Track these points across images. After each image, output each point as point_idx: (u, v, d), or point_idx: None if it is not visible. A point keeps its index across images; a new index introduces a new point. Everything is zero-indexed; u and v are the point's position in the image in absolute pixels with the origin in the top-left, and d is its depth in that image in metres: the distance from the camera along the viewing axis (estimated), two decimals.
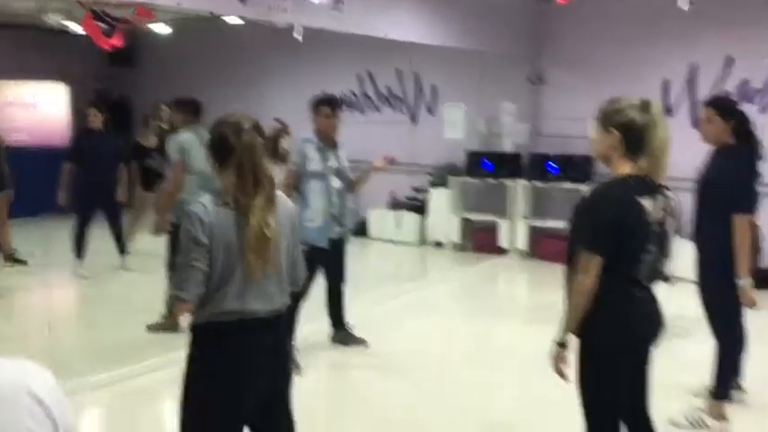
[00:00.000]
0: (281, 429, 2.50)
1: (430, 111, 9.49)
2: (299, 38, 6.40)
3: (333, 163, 4.75)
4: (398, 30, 6.52)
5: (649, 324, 2.61)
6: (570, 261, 2.53)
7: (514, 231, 8.40)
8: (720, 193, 3.70)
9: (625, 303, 2.52)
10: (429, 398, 4.26)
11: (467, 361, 4.94)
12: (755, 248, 3.90)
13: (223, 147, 2.30)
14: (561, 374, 2.56)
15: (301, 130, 9.28)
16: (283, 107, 9.69)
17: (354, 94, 10.06)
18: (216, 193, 2.31)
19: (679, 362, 4.56)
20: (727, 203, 3.66)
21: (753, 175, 3.81)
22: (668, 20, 7.11)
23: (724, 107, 3.89)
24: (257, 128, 2.34)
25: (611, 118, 2.49)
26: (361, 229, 9.23)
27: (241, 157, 2.26)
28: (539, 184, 8.34)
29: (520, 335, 5.53)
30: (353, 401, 4.36)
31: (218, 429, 2.33)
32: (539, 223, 8.35)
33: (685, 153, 7.17)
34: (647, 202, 2.47)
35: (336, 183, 4.72)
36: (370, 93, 9.97)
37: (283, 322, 2.46)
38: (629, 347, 2.56)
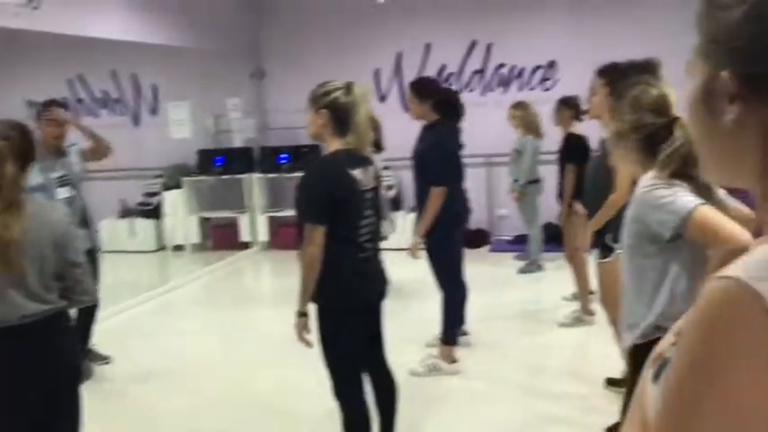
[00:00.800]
0: None
1: (153, 111, 9.16)
2: None
3: (58, 173, 4.37)
4: (108, 28, 6.19)
5: (374, 281, 2.90)
6: (300, 235, 2.71)
7: (254, 225, 8.50)
8: (426, 164, 4.18)
9: (349, 265, 2.76)
10: (203, 398, 4.20)
11: (226, 352, 4.94)
12: (463, 213, 4.47)
13: None
14: (305, 342, 2.75)
15: None
16: None
17: (66, 100, 9.33)
18: None
19: (412, 319, 5.04)
20: (429, 174, 4.16)
21: (453, 146, 4.35)
22: (373, 12, 7.69)
23: (420, 88, 4.37)
24: None
25: (319, 100, 2.71)
26: None
27: None
28: (272, 176, 8.52)
29: (270, 319, 5.66)
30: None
31: None
32: (276, 214, 8.55)
33: (399, 135, 7.85)
34: (357, 173, 2.73)
35: (65, 192, 4.36)
36: (84, 97, 9.33)
37: (41, 330, 2.30)
38: (357, 304, 2.82)
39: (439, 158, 4.18)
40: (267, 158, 8.52)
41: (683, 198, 1.98)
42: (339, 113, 2.71)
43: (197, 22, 7.34)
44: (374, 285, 2.90)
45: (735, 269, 0.63)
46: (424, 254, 4.25)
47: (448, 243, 4.24)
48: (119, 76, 9.12)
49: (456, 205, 4.24)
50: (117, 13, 6.30)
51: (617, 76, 3.03)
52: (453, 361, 4.25)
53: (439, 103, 4.30)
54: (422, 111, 4.29)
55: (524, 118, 6.39)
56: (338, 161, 2.72)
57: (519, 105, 6.53)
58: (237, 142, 8.69)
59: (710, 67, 0.70)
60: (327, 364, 2.79)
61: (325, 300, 2.74)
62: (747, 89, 0.67)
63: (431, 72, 8.10)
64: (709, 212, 1.94)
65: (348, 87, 2.73)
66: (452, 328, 4.31)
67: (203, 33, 7.51)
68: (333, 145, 2.75)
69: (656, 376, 0.74)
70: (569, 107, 5.39)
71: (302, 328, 2.74)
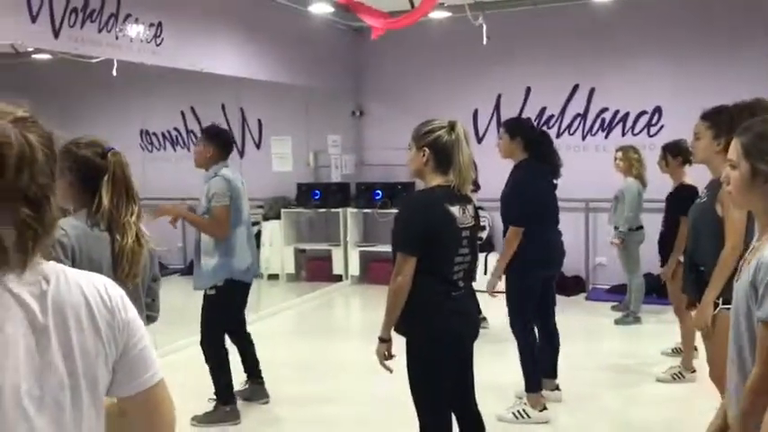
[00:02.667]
0: None
1: (257, 145, 9.53)
2: (115, 73, 6.25)
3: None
4: (220, 65, 6.54)
5: (466, 320, 2.87)
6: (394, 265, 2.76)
7: (347, 258, 8.63)
8: (507, 204, 4.19)
9: (442, 302, 2.75)
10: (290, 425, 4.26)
11: (312, 381, 5.01)
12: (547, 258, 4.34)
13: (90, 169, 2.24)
14: (386, 368, 2.77)
15: None
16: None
17: (178, 131, 9.88)
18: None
19: (504, 363, 4.94)
20: (508, 213, 4.15)
21: (538, 187, 4.26)
22: (474, 54, 7.75)
23: (512, 125, 4.40)
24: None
25: (422, 138, 2.76)
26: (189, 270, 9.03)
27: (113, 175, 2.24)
28: (366, 211, 8.65)
29: (357, 351, 5.68)
30: None
31: None
32: (369, 249, 8.65)
33: (494, 176, 7.78)
34: (455, 209, 2.75)
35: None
36: (194, 128, 9.83)
37: None
38: (447, 342, 2.79)
39: (518, 198, 4.14)
40: (362, 194, 8.68)
41: None
42: (441, 152, 2.74)
43: (302, 61, 7.64)
44: (465, 325, 2.88)
45: None
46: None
47: (522, 287, 4.14)
48: (227, 109, 9.57)
49: (536, 249, 4.09)
50: (229, 51, 6.65)
51: (723, 119, 2.92)
52: (543, 408, 4.13)
53: (529, 142, 4.27)
54: (510, 149, 4.29)
55: (631, 161, 6.22)
56: (437, 195, 2.75)
57: (627, 148, 6.36)
58: (335, 177, 8.91)
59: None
60: (415, 401, 2.78)
61: (415, 336, 2.75)
62: None
63: (530, 114, 8.05)
64: None
65: (451, 126, 2.76)
66: (533, 374, 4.18)
67: (308, 72, 7.80)
68: (433, 182, 2.78)
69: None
70: (676, 153, 5.19)
71: (383, 353, 2.76)
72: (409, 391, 2.79)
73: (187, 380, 4.24)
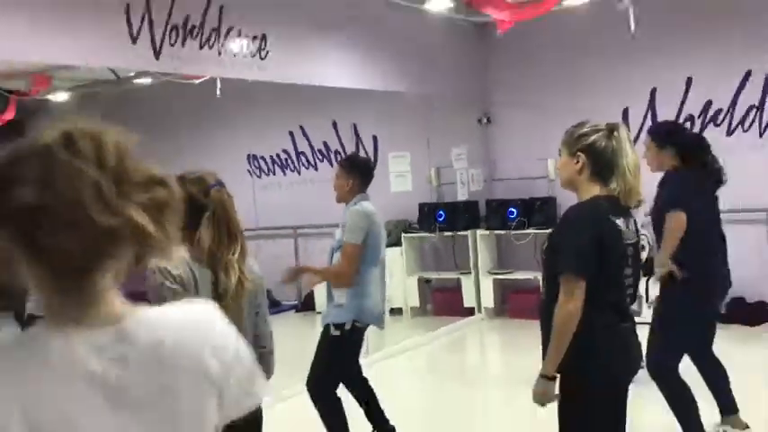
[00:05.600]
0: None
1: (373, 163, 9.59)
2: (218, 93, 6.48)
3: None
4: (329, 76, 6.62)
5: (631, 358, 2.72)
6: (548, 291, 2.63)
7: (479, 288, 8.44)
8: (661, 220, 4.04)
9: (612, 336, 2.61)
10: None
11: (440, 428, 4.88)
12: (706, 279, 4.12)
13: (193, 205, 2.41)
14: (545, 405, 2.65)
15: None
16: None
17: (287, 153, 10.14)
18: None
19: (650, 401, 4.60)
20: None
21: (688, 197, 4.06)
22: (618, 46, 7.44)
23: (660, 133, 4.29)
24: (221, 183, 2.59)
25: (575, 143, 2.62)
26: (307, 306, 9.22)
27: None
28: (500, 232, 8.45)
29: (499, 401, 5.51)
30: None
31: None
32: (505, 276, 8.42)
33: (652, 187, 7.32)
34: (620, 222, 2.62)
35: None
36: (305, 149, 10.05)
37: None
38: (615, 385, 2.63)
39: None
40: (494, 213, 8.47)
41: None
42: (599, 157, 2.63)
43: (420, 66, 7.60)
44: (631, 361, 2.74)
45: None
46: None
47: (673, 314, 4.00)
48: (339, 126, 9.72)
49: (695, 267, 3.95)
50: (338, 61, 6.72)
51: None
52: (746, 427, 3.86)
53: (684, 150, 4.16)
54: (660, 160, 4.19)
55: None
56: (601, 207, 2.62)
57: None
58: (462, 195, 8.77)
59: None
60: None
61: (579, 375, 2.58)
62: None
63: (694, 110, 7.60)
64: None
65: (611, 129, 2.66)
66: (687, 423, 3.89)
67: (426, 78, 7.75)
68: (590, 192, 2.65)
69: None
70: None
71: (544, 393, 2.60)
72: None
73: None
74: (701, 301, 4.06)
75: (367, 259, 4.14)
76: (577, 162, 2.65)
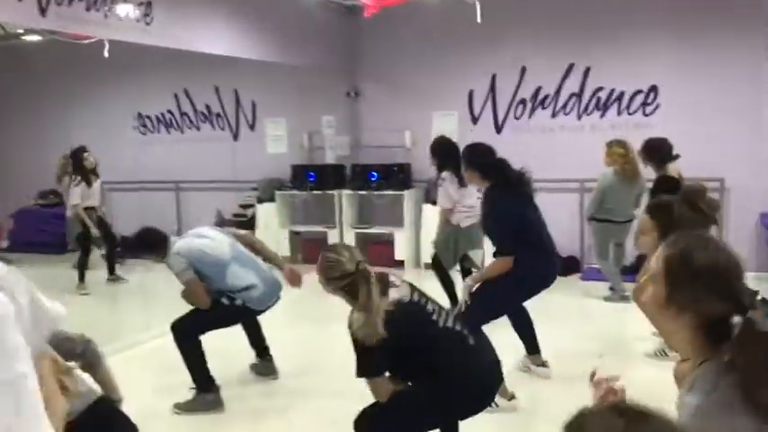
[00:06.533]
0: None
1: (251, 127, 9.51)
2: (106, 54, 6.21)
3: None
4: (212, 44, 6.49)
5: None
6: None
7: (342, 240, 8.62)
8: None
9: None
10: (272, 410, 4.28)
11: (308, 366, 5.03)
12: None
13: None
14: None
15: (116, 152, 8.98)
16: (95, 130, 9.26)
17: (171, 113, 9.86)
18: None
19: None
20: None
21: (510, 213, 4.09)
22: (469, 34, 7.70)
23: (464, 154, 4.34)
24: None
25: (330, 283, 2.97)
26: None
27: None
28: (362, 193, 8.65)
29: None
30: None
31: None
32: (364, 230, 8.65)
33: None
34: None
35: None
36: (188, 111, 9.80)
37: None
38: None
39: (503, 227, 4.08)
40: (358, 175, 8.66)
41: None
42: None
43: (297, 39, 7.58)
44: None
45: None
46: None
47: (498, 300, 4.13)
48: (221, 91, 9.53)
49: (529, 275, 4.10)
50: (221, 30, 6.61)
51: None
52: (512, 397, 4.09)
53: (486, 171, 4.17)
54: (471, 179, 4.30)
55: (613, 156, 6.16)
56: None
57: (612, 144, 6.24)
58: (330, 159, 8.88)
59: None
60: None
61: None
62: None
63: (526, 95, 8.02)
64: None
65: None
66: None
67: (302, 51, 7.75)
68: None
69: None
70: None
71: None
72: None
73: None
74: (525, 294, 4.28)
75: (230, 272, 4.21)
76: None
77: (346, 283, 2.82)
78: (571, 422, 1.02)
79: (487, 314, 3.99)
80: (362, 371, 2.75)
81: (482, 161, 4.24)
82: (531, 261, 4.02)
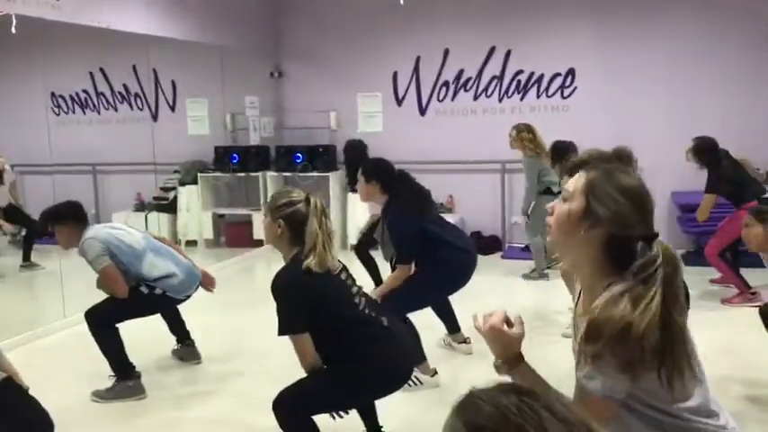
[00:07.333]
0: None
1: (171, 108, 9.25)
2: (13, 30, 5.90)
3: None
4: (128, 22, 6.27)
5: None
6: None
7: None
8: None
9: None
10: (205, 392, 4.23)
11: (234, 348, 4.98)
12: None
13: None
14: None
15: (28, 133, 8.58)
16: (3, 110, 8.82)
17: (87, 93, 9.48)
18: None
19: None
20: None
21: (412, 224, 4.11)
22: (393, 16, 7.71)
23: (365, 168, 4.27)
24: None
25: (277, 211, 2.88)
26: None
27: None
28: (287, 174, 8.57)
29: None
30: None
31: None
32: None
33: (414, 140, 7.74)
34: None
35: None
36: (105, 90, 9.45)
37: None
38: None
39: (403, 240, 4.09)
40: (282, 157, 8.58)
41: None
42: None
43: (217, 19, 7.41)
44: None
45: None
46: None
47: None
48: (139, 71, 9.23)
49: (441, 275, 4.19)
50: (138, 7, 6.39)
51: None
52: (434, 373, 4.18)
53: (386, 186, 4.16)
54: (368, 192, 4.21)
55: (522, 141, 6.31)
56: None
57: (520, 127, 6.38)
58: (254, 140, 8.76)
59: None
60: None
61: None
62: None
63: (449, 77, 8.11)
64: None
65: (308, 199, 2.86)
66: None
67: (223, 31, 7.59)
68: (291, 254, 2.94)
69: None
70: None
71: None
72: None
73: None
74: (442, 295, 4.43)
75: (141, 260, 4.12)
76: (279, 227, 2.82)
77: (292, 210, 2.79)
78: (462, 402, 0.99)
79: (404, 311, 4.02)
80: (284, 328, 2.76)
81: (384, 175, 4.21)
82: (440, 268, 4.11)
